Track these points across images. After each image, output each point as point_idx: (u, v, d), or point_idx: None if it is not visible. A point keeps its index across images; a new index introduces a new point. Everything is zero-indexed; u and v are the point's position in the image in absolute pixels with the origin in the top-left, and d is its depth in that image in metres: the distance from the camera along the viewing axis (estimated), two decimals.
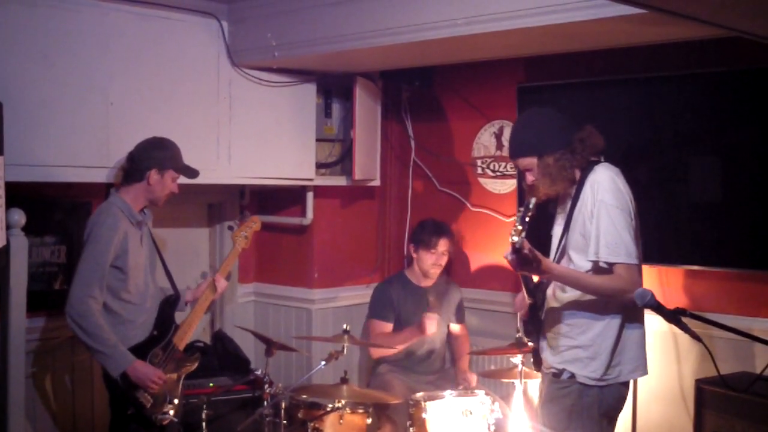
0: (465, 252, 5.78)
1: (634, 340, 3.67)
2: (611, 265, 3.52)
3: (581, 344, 3.63)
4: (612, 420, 3.76)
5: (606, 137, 3.74)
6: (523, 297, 3.89)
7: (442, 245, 5.27)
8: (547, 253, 3.82)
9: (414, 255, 5.37)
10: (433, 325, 5.02)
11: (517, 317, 4.56)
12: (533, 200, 3.44)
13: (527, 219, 3.35)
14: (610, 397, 3.66)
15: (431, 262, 5.28)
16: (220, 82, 5.05)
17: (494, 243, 5.59)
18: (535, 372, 4.12)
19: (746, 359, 4.46)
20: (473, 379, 5.15)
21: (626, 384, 3.72)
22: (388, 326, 5.30)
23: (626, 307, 3.61)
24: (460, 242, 5.74)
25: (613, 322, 3.62)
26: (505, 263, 3.55)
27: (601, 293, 3.58)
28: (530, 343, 3.99)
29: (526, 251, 3.37)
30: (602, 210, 3.53)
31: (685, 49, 4.42)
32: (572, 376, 3.65)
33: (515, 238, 3.32)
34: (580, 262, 3.63)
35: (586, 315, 3.63)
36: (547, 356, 3.79)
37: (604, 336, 3.62)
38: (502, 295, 5.50)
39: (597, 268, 3.58)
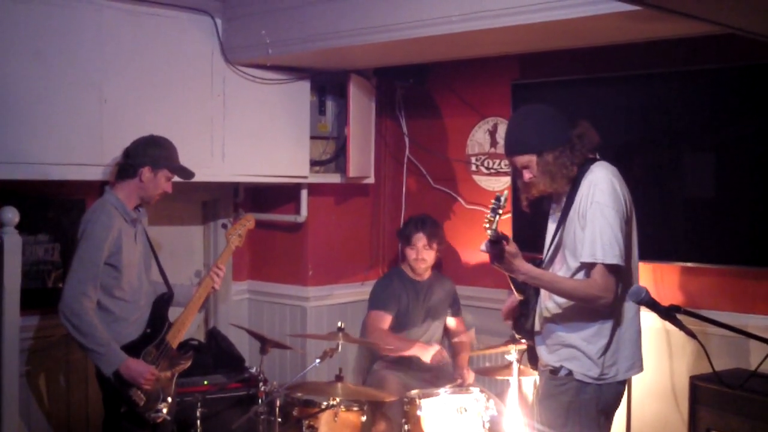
0: (459, 249, 5.78)
1: (629, 338, 3.66)
2: (605, 266, 3.49)
3: (576, 344, 3.62)
4: (609, 416, 3.75)
5: (601, 134, 3.74)
6: (511, 304, 3.89)
7: (419, 240, 5.28)
8: (540, 250, 3.83)
9: (402, 251, 5.41)
10: (431, 356, 5.12)
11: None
12: (505, 193, 3.43)
13: (500, 211, 3.35)
14: (607, 394, 3.65)
15: (413, 257, 5.32)
16: (214, 79, 5.04)
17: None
18: (530, 369, 4.12)
19: (740, 356, 4.47)
20: (470, 376, 5.15)
21: (623, 382, 3.72)
22: (388, 318, 5.30)
23: (620, 306, 3.60)
24: (454, 239, 5.74)
25: (608, 321, 3.61)
26: None
27: (574, 297, 3.57)
28: (523, 341, 3.99)
29: (501, 244, 3.38)
30: (597, 211, 3.51)
31: (680, 46, 4.43)
32: (570, 372, 3.64)
33: (489, 231, 3.34)
34: (573, 262, 3.62)
35: (580, 314, 3.62)
36: (543, 354, 3.78)
37: (600, 335, 3.61)
38: (497, 292, 5.49)
39: (586, 269, 3.57)
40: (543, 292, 3.76)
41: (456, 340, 5.47)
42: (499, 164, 5.57)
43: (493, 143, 5.61)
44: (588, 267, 3.54)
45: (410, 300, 5.34)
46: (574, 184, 3.64)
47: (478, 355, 5.43)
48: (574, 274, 3.61)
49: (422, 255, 5.30)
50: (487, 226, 3.34)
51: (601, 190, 3.53)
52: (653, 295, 3.07)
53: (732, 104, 4.51)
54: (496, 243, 3.40)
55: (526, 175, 3.70)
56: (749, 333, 3.16)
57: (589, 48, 4.58)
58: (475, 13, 4.02)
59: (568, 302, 3.63)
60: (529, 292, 3.80)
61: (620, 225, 3.51)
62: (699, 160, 4.71)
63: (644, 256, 3.78)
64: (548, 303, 3.72)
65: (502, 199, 3.39)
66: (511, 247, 3.46)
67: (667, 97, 4.71)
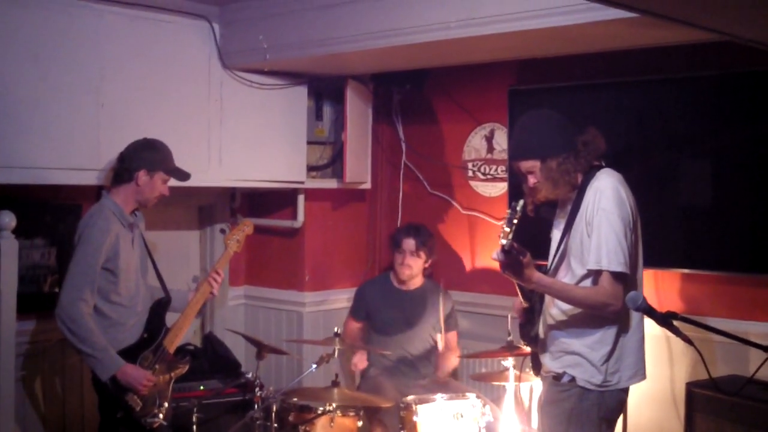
0: (456, 255, 5.78)
1: (632, 346, 3.66)
2: (611, 274, 3.49)
3: (580, 350, 3.62)
4: (611, 423, 3.75)
5: None
6: (519, 306, 3.88)
7: (407, 244, 5.25)
8: (545, 257, 3.82)
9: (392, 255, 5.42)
10: (362, 362, 5.20)
11: (508, 320, 4.58)
12: (521, 202, 3.44)
13: (515, 221, 3.35)
14: (610, 402, 3.65)
15: (398, 261, 5.30)
16: (211, 84, 5.04)
17: (485, 246, 5.59)
18: (531, 376, 4.12)
19: (739, 362, 4.46)
20: (439, 340, 5.15)
21: (625, 389, 3.71)
22: (357, 324, 5.39)
23: (624, 314, 3.60)
24: (450, 245, 5.74)
25: (611, 329, 3.61)
26: (495, 265, 3.56)
27: (583, 305, 3.57)
28: (527, 348, 3.98)
29: (515, 254, 3.37)
30: (603, 218, 3.51)
31: (679, 53, 4.43)
32: (572, 379, 3.63)
33: (503, 241, 3.34)
34: (579, 269, 3.62)
35: (584, 321, 3.62)
36: (546, 361, 3.78)
37: (603, 342, 3.61)
38: (493, 298, 5.50)
39: (593, 277, 3.57)
40: (547, 299, 3.76)
41: (442, 353, 5.40)
42: (496, 170, 5.57)
43: (490, 149, 5.61)
44: (595, 274, 3.54)
45: (387, 308, 5.33)
46: (580, 191, 3.64)
47: (474, 359, 5.43)
48: (579, 281, 3.61)
49: (408, 261, 5.27)
50: (502, 235, 3.34)
51: (607, 198, 3.53)
52: (654, 301, 3.06)
53: (730, 111, 4.52)
54: (509, 252, 3.39)
55: (531, 180, 3.69)
56: (744, 339, 3.16)
57: (586, 54, 4.58)
58: (472, 20, 4.03)
59: (572, 309, 3.63)
60: (535, 300, 3.80)
61: (625, 232, 3.51)
62: (698, 167, 4.71)
63: (645, 263, 3.78)
64: (552, 310, 3.72)
65: (518, 208, 3.39)
66: (526, 257, 3.46)
67: (665, 104, 4.72)
